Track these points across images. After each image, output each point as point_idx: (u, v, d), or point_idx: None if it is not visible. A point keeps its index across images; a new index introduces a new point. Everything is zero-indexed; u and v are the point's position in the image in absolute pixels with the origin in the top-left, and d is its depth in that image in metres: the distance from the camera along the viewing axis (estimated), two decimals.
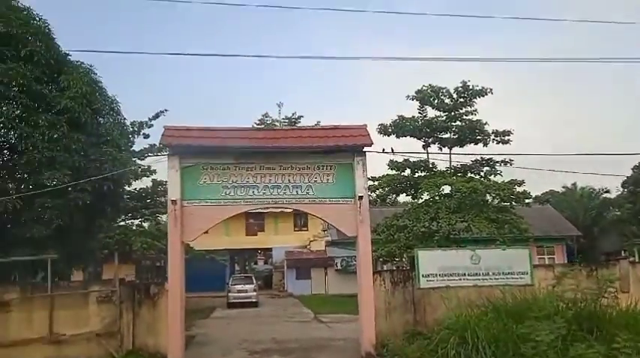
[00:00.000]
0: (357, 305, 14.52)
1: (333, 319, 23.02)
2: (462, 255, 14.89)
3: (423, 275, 14.48)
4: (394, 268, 22.68)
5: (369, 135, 14.30)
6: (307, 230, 39.14)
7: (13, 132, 14.90)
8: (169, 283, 13.47)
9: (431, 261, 14.67)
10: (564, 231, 36.86)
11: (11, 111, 14.54)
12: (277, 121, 53.32)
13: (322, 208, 14.20)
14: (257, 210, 39.55)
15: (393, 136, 25.95)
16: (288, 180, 14.15)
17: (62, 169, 15.04)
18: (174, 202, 13.39)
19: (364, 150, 14.34)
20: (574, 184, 48.70)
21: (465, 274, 14.56)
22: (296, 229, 39.65)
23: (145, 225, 29.13)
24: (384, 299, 14.66)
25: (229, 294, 28.95)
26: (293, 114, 53.26)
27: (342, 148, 14.08)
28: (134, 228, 26.87)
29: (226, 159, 14.07)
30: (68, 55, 17.18)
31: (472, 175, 25.92)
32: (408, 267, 23.95)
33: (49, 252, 14.17)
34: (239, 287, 28.96)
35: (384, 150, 17.24)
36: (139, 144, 26.83)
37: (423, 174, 27.94)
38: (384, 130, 25.62)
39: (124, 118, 19.41)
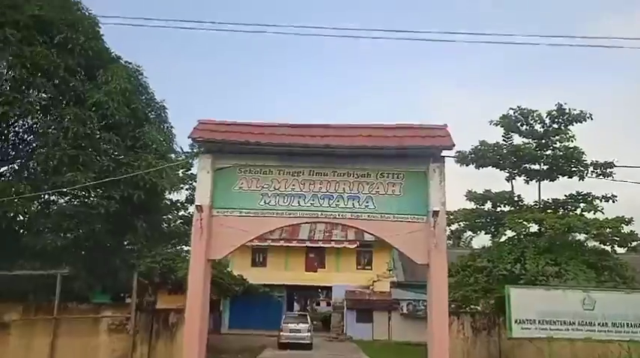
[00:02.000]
0: (426, 355, 10.94)
1: None
2: (570, 296, 10.98)
3: (516, 321, 10.74)
4: (476, 311, 18.59)
5: (449, 136, 10.92)
6: (371, 269, 35.40)
7: (32, 122, 12.76)
8: (187, 310, 10.44)
9: (527, 304, 10.90)
10: None
11: (33, 99, 12.46)
12: None
13: (385, 226, 10.84)
14: (318, 245, 37.06)
15: (472, 166, 22.25)
16: (343, 189, 10.97)
17: (86, 171, 12.68)
18: (200, 209, 10.53)
19: (443, 154, 11.00)
20: None
21: (573, 323, 10.67)
22: (359, 267, 35.98)
23: None
24: (462, 349, 11.04)
25: (281, 333, 25.61)
26: None
27: (415, 150, 10.81)
28: (183, 254, 24.36)
29: (269, 161, 11.13)
30: (113, 53, 15.22)
31: (565, 211, 21.68)
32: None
33: (61, 267, 11.67)
34: (292, 326, 25.58)
35: (470, 154, 13.75)
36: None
37: (506, 208, 24.02)
38: (462, 159, 21.98)
39: (171, 126, 17.15)
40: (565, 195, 21.89)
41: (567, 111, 20.81)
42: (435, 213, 10.24)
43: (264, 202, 10.98)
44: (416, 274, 35.60)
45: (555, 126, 21.19)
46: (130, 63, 15.48)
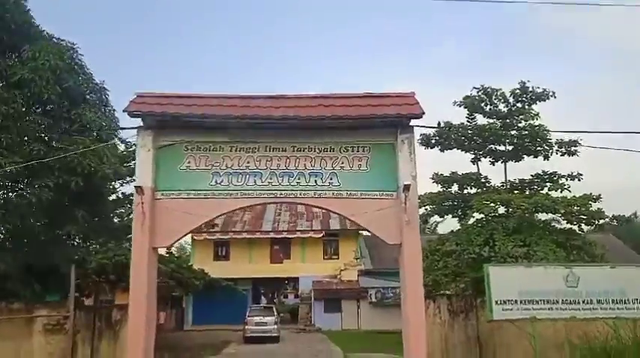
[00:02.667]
0: (399, 342, 9.93)
1: None
2: (552, 273, 10.04)
3: (496, 302, 9.75)
4: (453, 293, 17.73)
5: (418, 103, 9.81)
6: (338, 258, 34.43)
7: None
8: (131, 305, 9.03)
9: (508, 283, 9.90)
10: (633, 262, 31.06)
11: None
12: None
13: (351, 204, 9.66)
14: (283, 236, 35.88)
15: (436, 148, 21.43)
16: (304, 166, 9.75)
17: (11, 156, 11.08)
18: (140, 191, 9.12)
19: (412, 124, 9.91)
20: (634, 214, 42.80)
21: (557, 301, 9.75)
22: (325, 257, 34.94)
23: None
24: (440, 334, 10.06)
25: (246, 327, 24.33)
26: None
27: (381, 120, 9.66)
28: None
29: (218, 136, 9.80)
30: (44, 31, 13.53)
31: (532, 191, 21.14)
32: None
33: None
34: (257, 319, 24.32)
35: (439, 124, 12.76)
36: None
37: (473, 190, 23.36)
38: (426, 141, 21.10)
39: (114, 109, 15.53)
40: (531, 175, 21.36)
41: (531, 89, 20.20)
42: (406, 188, 9.13)
43: (215, 182, 9.67)
44: (384, 261, 34.80)
45: (519, 105, 20.57)
46: (62, 40, 13.83)
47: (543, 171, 21.48)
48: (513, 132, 20.42)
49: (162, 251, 25.82)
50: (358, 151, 9.82)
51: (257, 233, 34.39)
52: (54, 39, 13.82)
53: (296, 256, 35.03)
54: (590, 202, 19.56)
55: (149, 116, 9.51)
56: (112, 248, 21.70)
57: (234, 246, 34.99)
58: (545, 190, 21.16)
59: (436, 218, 26.05)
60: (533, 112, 20.35)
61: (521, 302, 9.63)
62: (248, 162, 9.76)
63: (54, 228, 12.72)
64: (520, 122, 20.43)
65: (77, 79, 13.67)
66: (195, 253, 34.60)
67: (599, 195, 19.66)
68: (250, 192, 9.69)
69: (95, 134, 13.57)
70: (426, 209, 24.22)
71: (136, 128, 9.72)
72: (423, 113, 9.69)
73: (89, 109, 13.78)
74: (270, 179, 9.72)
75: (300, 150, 9.83)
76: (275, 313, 25.48)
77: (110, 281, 23.70)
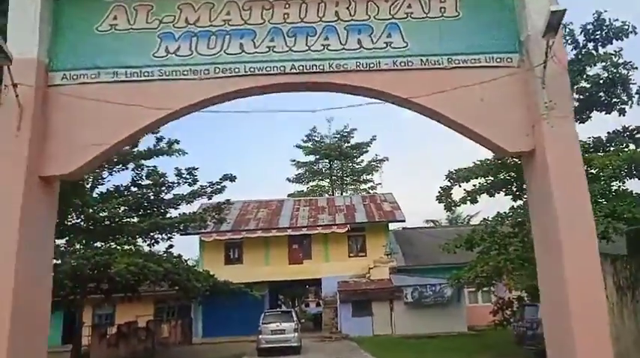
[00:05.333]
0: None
1: None
2: None
3: None
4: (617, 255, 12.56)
5: None
6: (365, 255, 29.25)
7: None
8: None
9: None
10: None
11: None
12: (327, 137, 44.57)
13: (429, 80, 4.77)
14: (302, 232, 30.92)
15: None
16: (336, 14, 4.94)
17: None
18: (7, 61, 4.38)
19: None
20: None
21: None
22: (351, 255, 29.77)
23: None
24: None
25: (260, 337, 19.27)
26: (345, 128, 44.36)
27: None
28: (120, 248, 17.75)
29: None
30: None
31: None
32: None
33: None
34: (273, 326, 19.29)
35: None
36: None
37: None
38: None
39: None
40: (608, 133, 16.26)
41: (607, 23, 15.09)
42: (546, 43, 4.26)
43: (167, 51, 4.88)
44: (419, 258, 29.72)
45: (591, 45, 15.46)
46: None
47: (624, 127, 16.45)
48: (583, 84, 15.42)
49: (158, 248, 21.30)
50: None
51: (273, 230, 29.40)
52: None
53: (318, 255, 29.92)
54: None
55: None
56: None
57: (248, 247, 30.04)
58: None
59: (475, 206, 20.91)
60: (611, 52, 15.23)
61: None
62: (227, 15, 4.95)
63: None
64: (591, 67, 15.39)
65: None
66: (204, 257, 29.73)
67: None
68: (234, 66, 4.83)
69: None
70: (474, 186, 19.29)
71: None
72: None
73: None
74: (271, 42, 4.87)
75: None
76: (295, 318, 20.41)
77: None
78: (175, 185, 18.59)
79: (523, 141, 4.68)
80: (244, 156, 79.00)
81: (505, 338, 18.99)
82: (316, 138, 44.23)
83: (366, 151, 44.21)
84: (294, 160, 44.84)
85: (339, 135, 43.97)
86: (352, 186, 45.52)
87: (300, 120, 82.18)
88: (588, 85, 15.15)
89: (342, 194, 40.17)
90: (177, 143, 18.53)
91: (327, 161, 44.28)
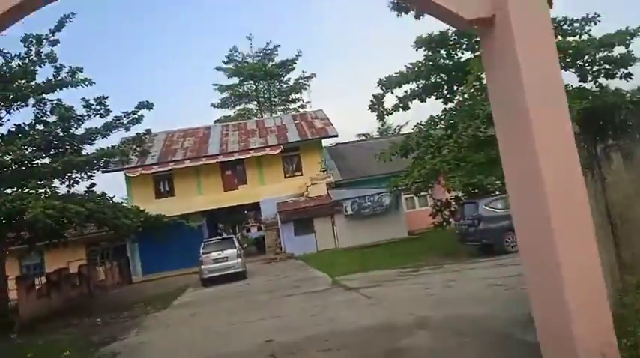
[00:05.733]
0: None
1: (365, 282, 13.11)
2: None
3: None
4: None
5: None
6: (301, 174, 28.81)
7: None
8: None
9: None
10: None
11: None
12: (249, 56, 42.37)
13: None
14: (234, 157, 29.72)
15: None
16: None
17: None
18: None
19: None
20: None
21: None
22: (287, 175, 29.24)
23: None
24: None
25: (202, 267, 18.70)
26: (267, 46, 42.20)
27: None
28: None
29: None
30: None
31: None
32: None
33: None
34: (215, 255, 18.70)
35: None
36: None
37: (467, 55, 18.29)
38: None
39: None
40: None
41: None
42: None
43: None
44: (354, 171, 29.66)
45: None
46: None
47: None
48: None
49: (79, 188, 19.61)
50: None
51: (202, 158, 28.09)
52: None
53: (253, 179, 29.17)
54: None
55: None
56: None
57: (179, 178, 28.74)
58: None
59: (406, 114, 20.40)
60: None
61: None
62: None
63: None
64: None
65: None
66: (133, 193, 28.20)
67: None
68: None
69: None
70: (405, 92, 18.86)
71: None
72: None
73: None
74: None
75: None
76: (236, 244, 19.89)
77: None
78: (85, 118, 16.78)
79: (481, 7, 3.91)
80: (162, 84, 74.53)
81: (446, 238, 19.49)
82: (238, 59, 41.97)
83: (292, 69, 42.69)
84: (216, 84, 42.61)
85: (262, 54, 41.95)
86: (281, 107, 44.25)
87: (218, 41, 77.71)
88: None
89: (271, 115, 38.85)
90: (81, 71, 16.54)
91: (253, 82, 42.43)
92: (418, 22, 15.33)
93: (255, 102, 43.97)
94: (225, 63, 41.58)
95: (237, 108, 43.62)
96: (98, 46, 75.62)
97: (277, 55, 41.99)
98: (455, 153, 16.64)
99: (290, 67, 42.29)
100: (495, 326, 6.58)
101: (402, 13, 15.47)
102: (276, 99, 44.18)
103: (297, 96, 43.96)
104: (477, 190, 16.81)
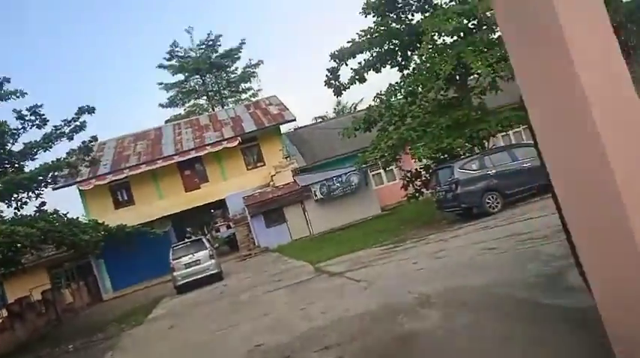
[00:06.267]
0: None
1: (349, 265, 12.42)
2: None
3: None
4: None
5: None
6: (264, 164, 27.75)
7: None
8: None
9: None
10: None
11: None
12: (192, 50, 40.66)
13: None
14: (191, 156, 28.37)
15: None
16: None
17: None
18: None
19: None
20: None
21: None
22: (249, 167, 28.13)
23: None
24: None
25: (175, 274, 17.59)
26: (209, 37, 40.50)
27: None
28: None
29: None
30: None
31: None
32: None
33: None
34: (186, 259, 17.63)
35: None
36: None
37: (418, 16, 17.78)
38: None
39: None
40: None
41: None
42: None
43: None
44: (317, 155, 28.87)
45: None
46: None
47: None
48: None
49: (28, 210, 18.11)
50: None
51: (158, 161, 26.65)
52: None
53: (214, 176, 27.96)
54: None
55: None
56: None
57: (136, 185, 27.24)
58: None
59: (358, 93, 19.80)
60: None
61: None
62: None
63: None
64: None
65: None
66: (90, 207, 26.53)
67: None
68: None
69: None
70: (359, 63, 18.17)
71: None
72: None
73: None
74: None
75: None
76: (207, 245, 18.84)
77: None
78: (21, 131, 15.34)
79: None
80: (104, 90, 71.46)
81: (421, 209, 19.02)
82: (180, 54, 40.23)
83: (238, 58, 41.29)
84: (161, 83, 40.79)
85: (204, 46, 40.30)
86: (232, 99, 42.82)
87: (157, 38, 74.98)
88: None
89: (223, 108, 37.48)
90: (8, 81, 15.07)
91: (199, 76, 40.83)
92: None
93: (205, 97, 42.38)
94: (168, 60, 39.75)
95: (187, 105, 41.94)
96: (25, 56, 71.45)
97: (220, 45, 40.43)
98: (420, 119, 16.08)
99: (235, 56, 40.85)
100: (509, 293, 5.97)
101: None
102: (225, 92, 42.67)
103: (247, 85, 42.62)
104: (445, 155, 16.35)
